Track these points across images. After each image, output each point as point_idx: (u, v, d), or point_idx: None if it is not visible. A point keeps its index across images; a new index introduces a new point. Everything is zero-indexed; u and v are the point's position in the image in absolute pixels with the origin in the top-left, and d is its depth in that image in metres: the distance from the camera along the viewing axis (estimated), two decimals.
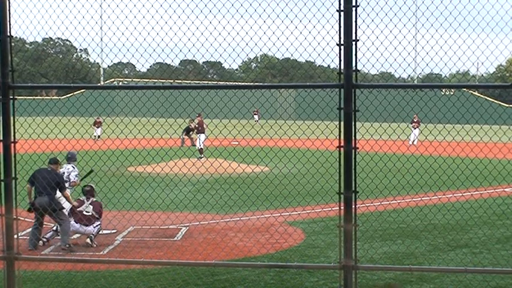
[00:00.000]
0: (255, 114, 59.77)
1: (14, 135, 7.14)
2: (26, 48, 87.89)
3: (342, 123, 6.69)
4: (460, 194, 16.95)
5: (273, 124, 9.63)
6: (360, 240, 10.52)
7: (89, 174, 14.02)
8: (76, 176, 13.93)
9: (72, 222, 12.51)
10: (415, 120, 39.34)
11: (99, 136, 42.66)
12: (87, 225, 12.61)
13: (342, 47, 6.62)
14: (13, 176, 7.12)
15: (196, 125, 31.83)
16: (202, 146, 30.80)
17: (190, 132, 37.46)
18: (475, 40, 7.17)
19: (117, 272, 10.31)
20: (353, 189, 6.74)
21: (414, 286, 9.83)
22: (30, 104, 12.60)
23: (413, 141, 38.29)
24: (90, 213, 12.75)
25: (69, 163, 13.96)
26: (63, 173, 13.63)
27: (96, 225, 12.72)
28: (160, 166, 14.15)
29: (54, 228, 12.79)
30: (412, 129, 39.59)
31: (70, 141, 11.24)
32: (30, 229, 12.58)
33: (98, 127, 43.26)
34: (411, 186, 14.52)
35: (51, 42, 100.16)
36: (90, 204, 12.92)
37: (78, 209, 12.68)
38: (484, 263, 11.18)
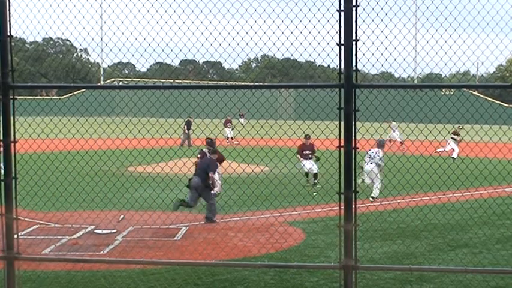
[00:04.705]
0: (241, 116, 58.66)
1: (14, 135, 7.14)
2: (26, 48, 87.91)
3: (342, 123, 6.68)
4: (460, 194, 16.94)
5: (273, 124, 9.63)
6: (360, 240, 10.50)
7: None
8: (380, 159, 17.51)
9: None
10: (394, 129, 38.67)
11: (232, 137, 40.07)
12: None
13: (342, 47, 6.61)
14: (13, 175, 7.11)
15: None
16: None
17: (191, 131, 37.25)
18: (475, 40, 7.17)
19: (117, 272, 10.30)
20: (353, 189, 6.74)
21: (414, 286, 9.83)
22: (30, 103, 12.62)
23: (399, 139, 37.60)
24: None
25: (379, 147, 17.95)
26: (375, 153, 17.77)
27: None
28: (160, 166, 14.13)
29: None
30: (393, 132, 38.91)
31: (70, 141, 11.25)
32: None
33: (228, 127, 40.99)
34: (411, 186, 14.51)
35: (51, 42, 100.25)
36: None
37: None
38: (484, 263, 11.18)
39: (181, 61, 75.21)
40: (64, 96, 71.10)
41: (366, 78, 8.45)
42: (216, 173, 15.93)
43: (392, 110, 10.64)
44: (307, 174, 21.13)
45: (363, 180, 18.26)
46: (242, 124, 54.19)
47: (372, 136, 10.74)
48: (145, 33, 7.52)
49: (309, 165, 21.02)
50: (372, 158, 18.17)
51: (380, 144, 18.52)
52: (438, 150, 29.16)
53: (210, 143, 16.97)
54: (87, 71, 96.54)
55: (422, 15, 7.24)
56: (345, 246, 6.77)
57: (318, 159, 20.54)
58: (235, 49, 7.58)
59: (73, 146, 12.29)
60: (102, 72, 79.22)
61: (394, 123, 37.66)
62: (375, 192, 18.06)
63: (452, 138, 31.53)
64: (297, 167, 16.55)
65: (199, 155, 16.74)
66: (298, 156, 21.08)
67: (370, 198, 17.70)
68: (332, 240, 12.84)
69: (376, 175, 18.08)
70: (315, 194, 18.25)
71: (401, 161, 11.91)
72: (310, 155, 21.11)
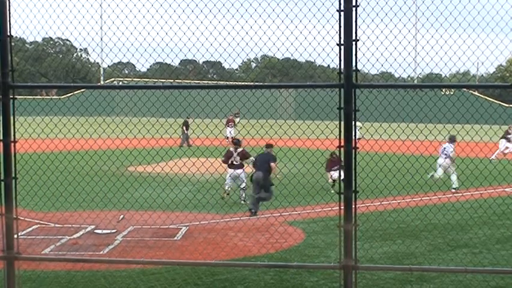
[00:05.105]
0: (236, 116, 57.74)
1: (14, 135, 7.14)
2: (26, 48, 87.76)
3: (342, 123, 6.68)
4: (460, 194, 16.95)
5: (273, 124, 9.63)
6: (360, 240, 10.51)
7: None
8: (452, 151, 20.13)
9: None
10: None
11: (232, 137, 39.01)
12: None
13: (342, 47, 6.61)
14: (13, 175, 7.11)
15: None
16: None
17: (190, 131, 37.18)
18: (475, 40, 7.17)
19: (117, 272, 10.30)
20: (353, 189, 6.74)
21: (414, 286, 9.83)
22: (30, 103, 12.63)
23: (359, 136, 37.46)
24: (238, 163, 17.55)
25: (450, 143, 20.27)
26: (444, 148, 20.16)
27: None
28: (160, 166, 14.16)
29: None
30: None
31: (70, 140, 11.25)
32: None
33: (230, 127, 39.43)
34: (411, 186, 14.51)
35: (51, 42, 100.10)
36: (237, 155, 17.54)
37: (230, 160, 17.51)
38: (484, 263, 11.18)
39: (181, 61, 75.11)
40: (64, 96, 71.07)
41: (366, 78, 8.45)
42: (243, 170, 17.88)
43: (392, 110, 10.63)
44: (334, 181, 21.21)
45: (432, 175, 20.24)
46: (236, 124, 53.76)
47: (372, 136, 10.73)
48: (145, 33, 7.52)
49: (337, 174, 21.17)
50: (445, 152, 20.46)
51: (452, 140, 20.57)
52: (501, 151, 29.45)
53: (237, 142, 18.46)
54: (87, 71, 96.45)
55: (422, 15, 7.24)
56: (345, 246, 6.77)
57: (343, 168, 20.50)
58: (235, 49, 7.58)
59: (73, 146, 12.29)
60: (102, 72, 79.15)
61: (357, 123, 37.58)
62: (455, 183, 19.91)
63: (505, 138, 31.34)
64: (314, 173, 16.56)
65: (234, 150, 18.18)
66: (328, 173, 20.94)
67: (453, 190, 19.56)
68: (332, 240, 12.84)
69: (449, 166, 20.24)
70: (332, 191, 18.71)
71: (401, 161, 11.90)
72: (337, 168, 21.41)
